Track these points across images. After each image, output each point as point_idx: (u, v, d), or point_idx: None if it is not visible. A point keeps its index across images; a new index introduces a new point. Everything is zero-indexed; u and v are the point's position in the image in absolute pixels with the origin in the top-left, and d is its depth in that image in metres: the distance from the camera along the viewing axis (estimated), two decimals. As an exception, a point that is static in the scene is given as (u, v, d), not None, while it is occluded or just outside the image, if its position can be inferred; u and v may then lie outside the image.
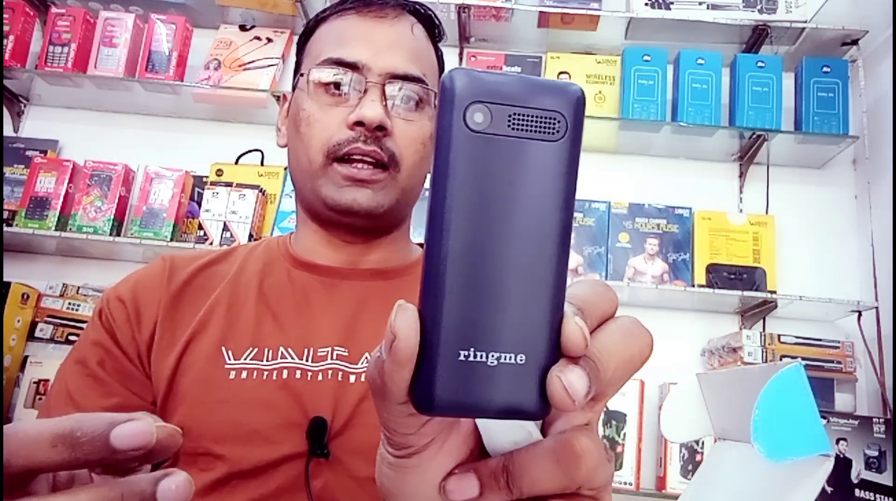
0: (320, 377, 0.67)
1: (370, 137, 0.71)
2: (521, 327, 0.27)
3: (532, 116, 0.27)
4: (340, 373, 0.67)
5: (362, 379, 0.67)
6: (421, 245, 0.86)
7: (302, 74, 0.77)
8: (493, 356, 0.26)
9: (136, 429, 0.27)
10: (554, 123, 0.27)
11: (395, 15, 0.76)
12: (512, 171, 0.26)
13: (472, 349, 0.26)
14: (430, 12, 0.80)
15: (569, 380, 0.26)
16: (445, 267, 0.26)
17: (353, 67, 0.72)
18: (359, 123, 0.70)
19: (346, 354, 0.69)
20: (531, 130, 0.27)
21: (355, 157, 0.71)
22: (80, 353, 0.74)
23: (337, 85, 0.73)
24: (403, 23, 0.76)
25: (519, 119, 0.26)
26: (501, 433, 0.30)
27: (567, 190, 0.27)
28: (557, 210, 0.27)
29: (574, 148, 0.27)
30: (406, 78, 0.73)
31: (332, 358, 0.68)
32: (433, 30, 0.81)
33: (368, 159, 0.71)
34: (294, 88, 0.81)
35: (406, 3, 0.78)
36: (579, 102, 0.27)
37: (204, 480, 0.63)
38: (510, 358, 0.27)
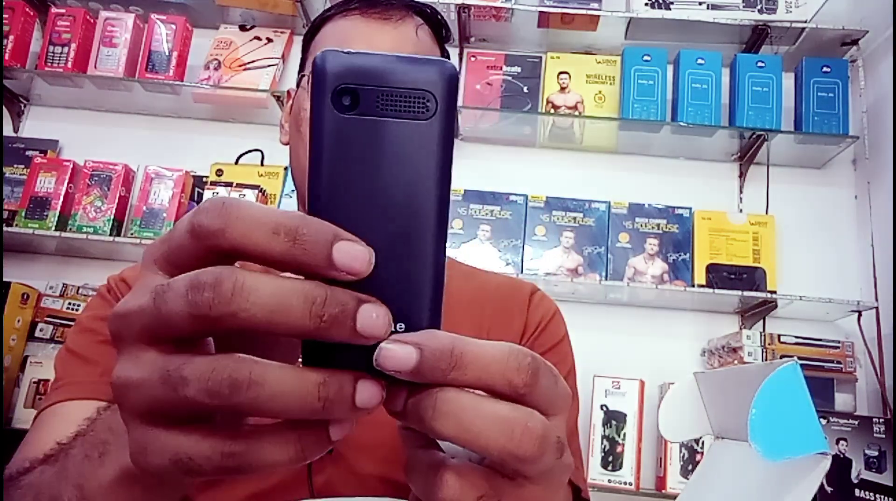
0: None
1: None
2: (399, 298, 0.27)
3: (400, 96, 0.27)
4: None
5: None
6: None
7: (304, 74, 0.77)
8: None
9: (359, 251, 0.26)
10: (423, 102, 0.27)
11: (400, 17, 0.75)
12: (384, 151, 0.27)
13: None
14: (436, 13, 0.80)
15: (391, 348, 0.27)
16: None
17: None
18: None
19: None
20: (399, 110, 0.27)
21: None
22: (86, 326, 0.73)
23: None
24: (408, 25, 0.75)
25: (387, 100, 0.27)
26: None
27: (440, 167, 0.27)
28: (431, 187, 0.27)
29: (446, 126, 0.27)
30: None
31: None
32: (439, 31, 0.80)
33: None
34: (297, 87, 0.81)
35: (411, 4, 0.77)
36: (450, 80, 0.27)
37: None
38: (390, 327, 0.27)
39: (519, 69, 1.98)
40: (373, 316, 0.26)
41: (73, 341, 0.72)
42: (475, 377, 0.28)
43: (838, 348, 1.71)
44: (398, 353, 0.27)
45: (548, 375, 0.29)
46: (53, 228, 1.81)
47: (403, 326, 0.28)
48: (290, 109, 0.83)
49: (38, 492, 0.39)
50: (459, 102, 1.95)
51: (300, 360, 0.28)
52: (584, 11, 1.87)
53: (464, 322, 0.74)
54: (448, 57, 0.83)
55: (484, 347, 0.28)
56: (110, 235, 1.82)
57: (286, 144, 0.83)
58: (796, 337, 1.73)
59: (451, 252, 1.83)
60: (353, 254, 0.26)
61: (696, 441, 1.66)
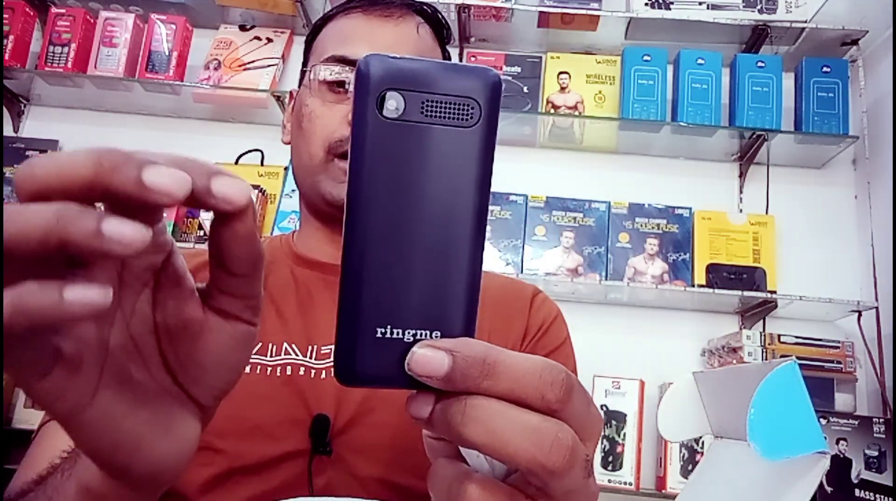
0: (323, 375, 0.67)
1: None
2: (434, 305, 0.28)
3: (445, 103, 0.27)
4: None
5: None
6: None
7: (306, 71, 0.78)
8: (409, 332, 0.28)
9: (162, 170, 0.25)
10: (467, 110, 0.27)
11: (401, 14, 0.76)
12: (425, 157, 0.27)
13: (388, 327, 0.27)
14: (437, 13, 0.81)
15: (423, 353, 0.27)
16: (362, 250, 0.27)
17: (355, 64, 0.72)
18: None
19: None
20: (444, 117, 0.27)
21: None
22: None
23: (340, 83, 0.74)
24: (409, 22, 0.76)
25: (432, 106, 0.27)
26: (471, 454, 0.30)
27: (481, 175, 0.28)
28: (471, 195, 0.28)
29: (489, 134, 0.28)
30: None
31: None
32: (440, 30, 0.81)
33: None
34: (300, 85, 0.82)
35: (412, 3, 0.78)
36: (495, 88, 0.27)
37: (204, 475, 0.62)
38: (425, 334, 0.28)
39: (519, 69, 1.98)
40: (164, 171, 0.25)
41: None
42: (507, 387, 0.27)
43: (838, 348, 1.71)
44: (431, 358, 0.27)
45: (581, 396, 0.29)
46: (53, 228, 1.81)
47: (439, 333, 0.28)
48: (293, 108, 0.83)
49: None
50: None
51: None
52: (584, 11, 1.87)
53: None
54: (449, 57, 0.84)
55: (518, 358, 0.28)
56: (110, 235, 1.82)
57: (288, 143, 0.83)
58: (796, 337, 1.73)
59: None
60: (167, 173, 0.25)
61: (696, 440, 1.66)
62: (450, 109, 0.27)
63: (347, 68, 0.73)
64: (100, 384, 0.29)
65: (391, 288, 0.27)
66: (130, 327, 0.31)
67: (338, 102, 0.73)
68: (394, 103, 0.27)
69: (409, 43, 0.75)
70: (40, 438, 0.66)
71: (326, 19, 0.80)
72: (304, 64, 0.83)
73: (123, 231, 0.24)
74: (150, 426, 0.31)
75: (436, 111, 0.27)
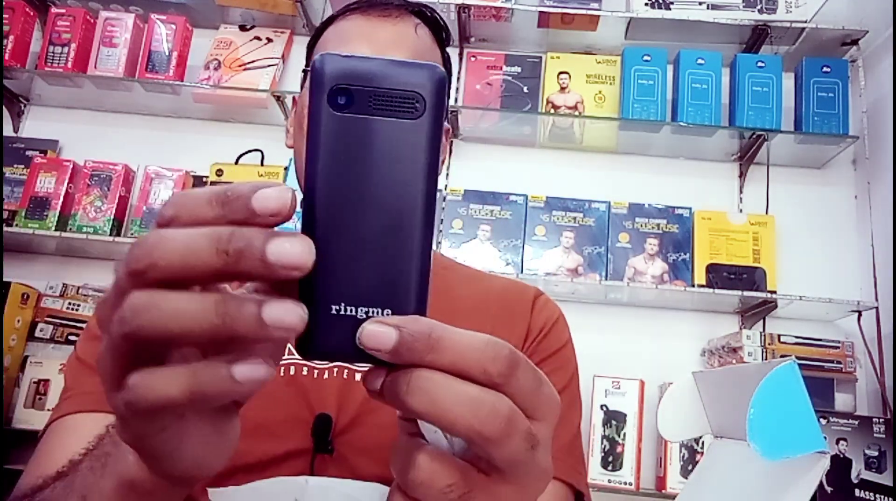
0: (326, 375, 0.68)
1: None
2: (387, 285, 0.30)
3: (391, 97, 0.29)
4: (346, 371, 0.68)
5: None
6: None
7: (305, 71, 0.79)
8: (362, 310, 0.29)
9: (271, 192, 0.27)
10: (412, 103, 0.29)
11: (399, 15, 0.77)
12: (374, 147, 0.29)
13: (342, 304, 0.29)
14: (435, 14, 0.81)
15: (373, 329, 0.28)
16: (318, 235, 0.29)
17: None
18: None
19: None
20: (391, 110, 0.29)
21: None
22: (94, 333, 0.74)
23: None
24: (406, 23, 0.77)
25: (379, 100, 0.29)
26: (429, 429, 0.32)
27: (428, 163, 0.30)
28: (418, 182, 0.29)
29: (434, 125, 0.29)
30: None
31: None
32: (439, 31, 0.82)
33: None
34: (301, 89, 0.83)
35: (410, 4, 0.79)
36: (439, 82, 0.29)
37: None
38: (377, 312, 0.29)
39: (519, 69, 1.98)
40: (286, 246, 0.27)
41: (81, 348, 0.73)
42: (451, 361, 0.29)
43: (838, 348, 1.71)
44: (379, 333, 0.28)
45: (528, 373, 0.30)
46: (53, 228, 1.81)
47: (390, 311, 0.30)
48: (295, 112, 0.84)
49: None
50: (459, 102, 1.95)
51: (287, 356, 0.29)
52: (584, 11, 1.87)
53: (468, 326, 0.73)
54: (448, 58, 0.84)
55: (463, 334, 0.29)
56: (110, 235, 1.82)
57: (291, 147, 0.83)
58: (796, 337, 1.73)
59: (452, 253, 1.83)
60: (270, 196, 0.27)
61: (696, 440, 1.66)
62: (396, 102, 0.29)
63: None
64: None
65: (346, 269, 0.29)
66: None
67: None
68: (344, 98, 0.29)
69: (407, 42, 0.76)
70: (52, 435, 0.66)
71: (327, 23, 0.82)
72: (306, 67, 0.83)
73: (284, 319, 0.27)
74: (212, 436, 0.33)
75: (383, 105, 0.29)
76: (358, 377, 0.68)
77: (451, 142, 1.97)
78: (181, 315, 0.26)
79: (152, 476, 0.34)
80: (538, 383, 0.31)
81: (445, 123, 0.85)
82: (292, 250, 0.27)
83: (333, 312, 0.29)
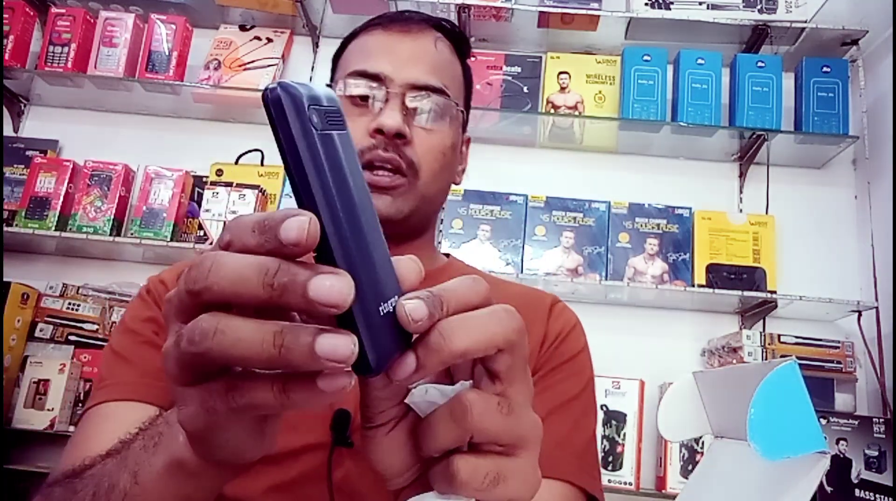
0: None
1: (390, 145, 0.74)
2: (386, 275, 0.33)
3: (333, 114, 0.32)
4: None
5: None
6: (447, 255, 0.89)
7: (331, 87, 0.81)
8: (384, 306, 0.32)
9: (295, 222, 0.29)
10: (340, 117, 0.33)
11: (419, 30, 0.79)
12: (344, 158, 0.32)
13: (379, 308, 0.31)
14: (455, 28, 0.84)
15: (410, 304, 0.32)
16: (339, 247, 0.30)
17: (376, 78, 0.76)
18: (378, 131, 0.74)
19: None
20: (336, 124, 0.32)
21: (376, 164, 0.74)
22: (129, 326, 0.76)
23: (362, 96, 0.76)
24: (427, 37, 0.80)
25: (330, 117, 0.32)
26: (422, 396, 0.36)
27: (360, 165, 0.33)
28: (362, 179, 0.33)
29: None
30: (427, 89, 0.76)
31: None
32: (459, 45, 0.84)
33: (388, 166, 0.74)
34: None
35: (431, 19, 0.81)
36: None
37: None
38: (394, 301, 0.32)
39: (519, 69, 1.98)
40: (326, 284, 0.28)
41: (116, 341, 0.75)
42: (456, 304, 0.34)
43: (838, 348, 1.71)
44: (416, 305, 0.32)
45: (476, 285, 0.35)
46: (53, 228, 1.81)
47: (396, 296, 0.32)
48: None
49: (100, 480, 0.44)
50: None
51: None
52: (584, 11, 1.88)
53: None
54: (469, 69, 0.87)
55: (450, 283, 0.35)
56: (110, 235, 1.82)
57: None
58: (796, 337, 1.73)
59: (452, 253, 1.83)
60: (293, 227, 0.29)
61: (696, 440, 1.66)
62: (336, 117, 0.32)
63: (368, 82, 0.76)
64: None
65: (365, 275, 0.31)
66: None
67: (359, 115, 0.76)
68: (315, 117, 0.31)
69: (428, 56, 0.78)
70: (88, 422, 0.69)
71: (351, 37, 0.84)
72: (331, 81, 0.85)
73: (336, 351, 0.29)
74: (255, 430, 0.36)
75: (332, 121, 0.32)
76: None
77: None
78: (242, 344, 0.29)
79: (198, 459, 0.37)
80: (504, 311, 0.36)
81: (465, 134, 0.87)
82: (332, 289, 0.29)
83: (376, 320, 0.31)
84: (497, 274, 1.78)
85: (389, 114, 0.73)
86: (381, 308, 0.31)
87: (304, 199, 0.31)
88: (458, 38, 0.84)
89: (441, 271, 0.83)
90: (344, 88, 0.77)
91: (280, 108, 0.30)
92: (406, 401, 0.36)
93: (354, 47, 0.82)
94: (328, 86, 0.83)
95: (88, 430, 0.68)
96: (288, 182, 1.90)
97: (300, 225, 0.29)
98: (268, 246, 0.30)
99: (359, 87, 0.76)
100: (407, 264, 0.34)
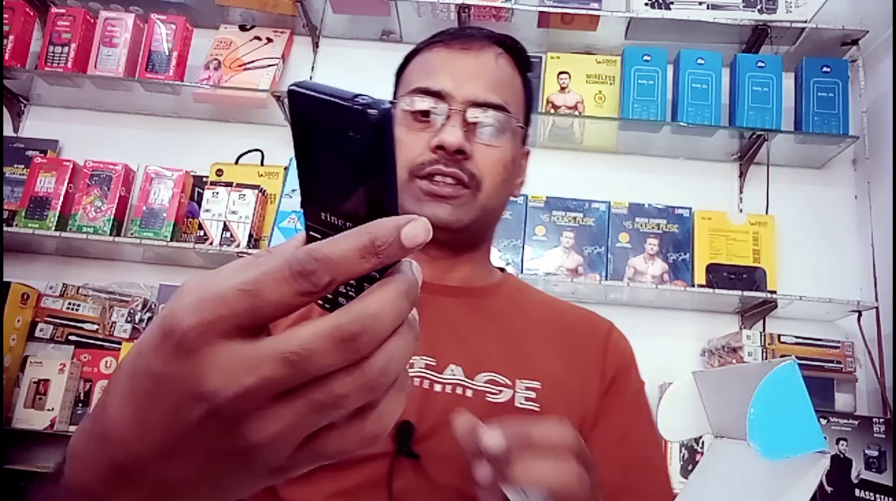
0: None
1: (451, 160, 0.75)
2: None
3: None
4: (426, 381, 0.70)
5: (447, 390, 0.70)
6: (502, 269, 0.90)
7: (393, 103, 0.81)
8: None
9: (419, 226, 0.30)
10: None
11: (480, 47, 0.81)
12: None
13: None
14: (517, 44, 0.86)
15: (491, 439, 0.48)
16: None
17: (437, 95, 0.78)
18: (440, 147, 0.75)
19: (433, 363, 0.71)
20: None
21: (437, 178, 0.76)
22: None
23: (424, 112, 0.78)
24: (487, 54, 0.81)
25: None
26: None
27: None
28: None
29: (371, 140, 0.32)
30: (487, 105, 0.78)
31: (419, 367, 0.71)
32: (520, 60, 0.87)
33: (449, 180, 0.76)
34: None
35: (493, 35, 0.83)
36: (357, 109, 0.32)
37: None
38: None
39: (519, 69, 1.98)
40: (412, 229, 0.30)
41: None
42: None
43: (838, 348, 1.71)
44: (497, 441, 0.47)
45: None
46: (53, 228, 1.81)
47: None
48: None
49: None
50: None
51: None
52: (584, 11, 1.87)
53: (542, 353, 0.77)
54: (530, 83, 0.90)
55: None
56: (110, 235, 1.82)
57: None
58: (796, 337, 1.73)
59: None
60: (416, 232, 0.30)
61: (696, 440, 1.66)
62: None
63: (429, 98, 0.78)
64: None
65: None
66: None
67: (421, 131, 0.78)
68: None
69: (488, 72, 0.80)
70: None
71: (413, 54, 0.86)
72: (394, 96, 0.87)
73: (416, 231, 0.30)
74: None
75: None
76: (437, 387, 0.70)
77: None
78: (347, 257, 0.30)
79: None
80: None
81: (525, 147, 0.86)
82: (417, 228, 0.30)
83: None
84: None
85: (450, 131, 0.75)
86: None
87: (388, 205, 0.31)
88: (519, 53, 0.86)
89: (493, 288, 0.83)
90: (407, 104, 0.78)
91: (388, 128, 0.31)
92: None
93: (416, 64, 0.84)
94: (391, 103, 0.84)
95: None
96: (287, 181, 1.90)
97: (425, 227, 0.30)
98: (388, 262, 0.30)
99: (421, 103, 0.78)
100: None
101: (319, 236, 0.32)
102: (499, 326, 0.78)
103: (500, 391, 0.71)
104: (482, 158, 0.77)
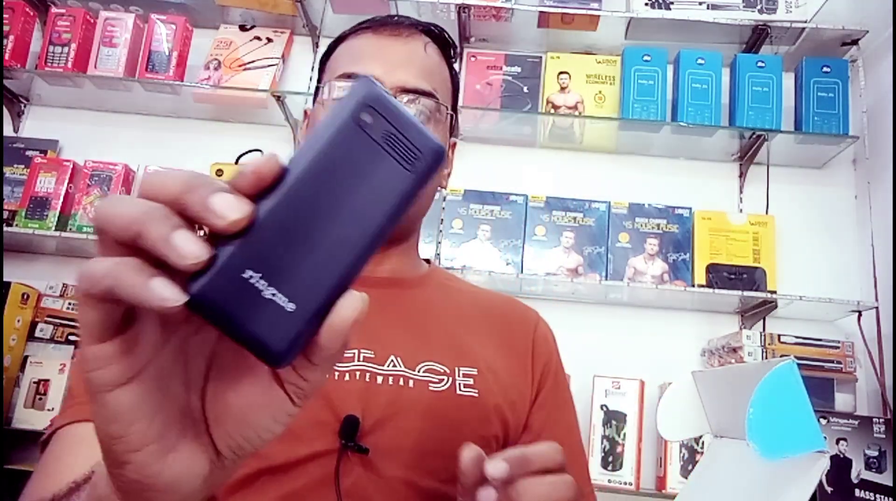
0: (347, 378, 0.68)
1: None
2: (307, 283, 0.31)
3: (402, 142, 0.32)
4: (368, 374, 0.69)
5: (389, 382, 0.69)
6: (428, 261, 0.90)
7: (320, 89, 0.81)
8: (270, 290, 0.30)
9: (230, 200, 0.29)
10: (412, 157, 0.32)
11: (409, 34, 0.80)
12: (363, 170, 0.32)
13: (258, 275, 0.30)
14: (444, 33, 0.84)
15: (495, 468, 0.50)
16: (278, 203, 0.30)
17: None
18: None
19: (372, 355, 0.70)
20: (395, 151, 0.32)
21: None
22: None
23: None
24: (416, 41, 0.80)
25: (392, 138, 0.32)
26: None
27: (396, 207, 0.33)
28: (380, 216, 0.32)
29: (417, 184, 0.33)
30: (417, 92, 0.76)
31: (358, 360, 0.70)
32: (447, 50, 0.85)
33: None
34: (314, 103, 0.85)
35: (420, 24, 0.82)
36: (438, 158, 0.33)
37: (234, 476, 0.64)
38: (283, 301, 0.30)
39: (519, 69, 1.98)
40: (227, 198, 0.29)
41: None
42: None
43: (838, 348, 1.71)
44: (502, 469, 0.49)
45: None
46: (53, 228, 1.81)
47: (294, 306, 0.30)
48: (307, 125, 0.87)
49: None
50: (460, 102, 1.95)
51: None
52: (584, 11, 1.87)
53: (476, 339, 0.79)
54: (456, 74, 0.88)
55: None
56: (110, 235, 1.82)
57: None
58: (796, 337, 1.73)
59: (452, 253, 1.83)
60: (227, 204, 0.29)
61: (696, 440, 1.66)
62: (403, 148, 0.32)
63: None
64: (140, 373, 0.31)
65: (279, 247, 0.30)
66: (191, 341, 0.34)
67: None
68: (368, 117, 0.32)
69: (418, 60, 0.78)
70: (58, 444, 0.67)
71: (339, 40, 0.84)
72: (319, 82, 0.85)
73: (164, 293, 0.28)
74: (159, 435, 0.32)
75: (392, 143, 0.32)
76: (380, 380, 0.69)
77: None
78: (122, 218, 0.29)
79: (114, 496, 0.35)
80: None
81: (452, 138, 0.87)
82: (230, 201, 0.29)
83: (244, 275, 0.30)
84: (497, 274, 1.79)
85: None
86: (258, 279, 0.30)
87: (294, 159, 0.31)
88: (446, 43, 0.84)
89: (422, 280, 0.84)
90: (332, 90, 0.76)
91: (435, 170, 0.33)
92: None
93: (343, 50, 0.82)
94: (316, 87, 0.85)
95: (58, 453, 0.65)
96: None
97: (235, 206, 0.30)
98: (190, 214, 0.30)
99: (347, 89, 0.76)
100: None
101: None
102: (433, 315, 0.78)
103: (441, 380, 0.71)
104: None
